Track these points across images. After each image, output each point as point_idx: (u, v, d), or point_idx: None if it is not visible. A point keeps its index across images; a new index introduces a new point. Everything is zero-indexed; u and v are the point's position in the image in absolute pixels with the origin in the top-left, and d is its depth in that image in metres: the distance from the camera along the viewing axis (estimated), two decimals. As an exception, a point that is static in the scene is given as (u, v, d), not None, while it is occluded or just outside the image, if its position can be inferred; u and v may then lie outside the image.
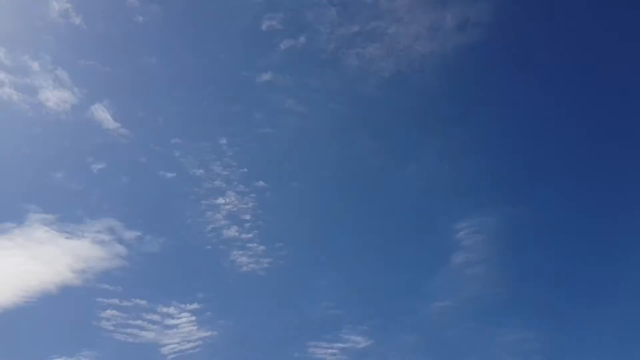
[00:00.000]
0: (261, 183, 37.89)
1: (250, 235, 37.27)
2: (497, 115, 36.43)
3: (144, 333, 35.01)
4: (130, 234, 36.72)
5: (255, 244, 37.11)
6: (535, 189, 34.85)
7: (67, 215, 36.01)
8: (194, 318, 35.88)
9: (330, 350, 34.31)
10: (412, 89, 36.74)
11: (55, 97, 36.51)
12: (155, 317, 35.55)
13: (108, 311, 34.96)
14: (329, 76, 38.07)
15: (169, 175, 37.84)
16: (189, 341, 35.31)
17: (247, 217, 37.55)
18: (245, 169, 37.98)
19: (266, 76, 37.74)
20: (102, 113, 37.11)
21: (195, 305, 36.19)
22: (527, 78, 35.87)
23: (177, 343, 35.20)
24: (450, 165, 36.67)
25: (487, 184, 36.04)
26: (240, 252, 37.05)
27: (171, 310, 35.88)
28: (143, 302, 35.70)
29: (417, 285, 35.07)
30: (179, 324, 35.65)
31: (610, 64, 34.34)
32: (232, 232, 37.43)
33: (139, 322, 35.24)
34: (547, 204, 34.29)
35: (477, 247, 34.18)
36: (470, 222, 34.57)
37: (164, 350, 34.84)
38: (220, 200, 37.76)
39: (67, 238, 35.72)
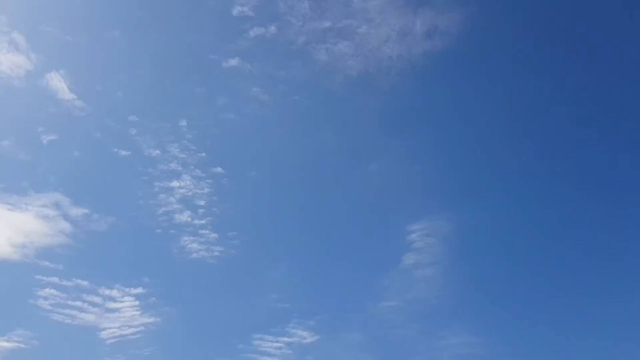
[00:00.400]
0: (219, 169, 37.24)
1: (203, 222, 36.55)
2: (457, 121, 37.15)
3: (83, 315, 33.83)
4: (76, 211, 35.43)
5: (207, 231, 36.39)
6: (489, 195, 35.71)
7: (11, 185, 34.54)
8: (137, 303, 34.89)
9: (275, 344, 34.00)
10: (378, 90, 37.07)
11: (9, 61, 34.90)
12: (97, 299, 34.41)
13: (47, 290, 33.65)
14: (296, 68, 37.85)
15: (123, 153, 36.68)
16: (130, 326, 34.29)
17: (202, 202, 36.83)
18: (204, 154, 37.26)
19: (233, 62, 37.19)
20: (57, 82, 35.63)
21: (139, 290, 35.18)
22: (489, 88, 36.77)
23: (118, 328, 34.15)
24: (409, 168, 37.13)
25: (443, 188, 36.66)
26: (192, 238, 36.27)
27: (114, 293, 34.76)
28: (85, 283, 34.48)
29: (367, 283, 35.26)
30: (121, 308, 34.59)
31: (569, 72, 35.57)
32: (184, 217, 36.61)
33: (78, 303, 34.02)
34: (500, 211, 35.18)
35: (429, 250, 34.70)
36: (423, 225, 35.08)
37: (103, 334, 33.73)
38: (175, 184, 36.88)
39: (9, 210, 34.17)
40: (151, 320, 34.57)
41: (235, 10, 36.67)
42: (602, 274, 33.02)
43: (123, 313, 34.44)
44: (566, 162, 35.18)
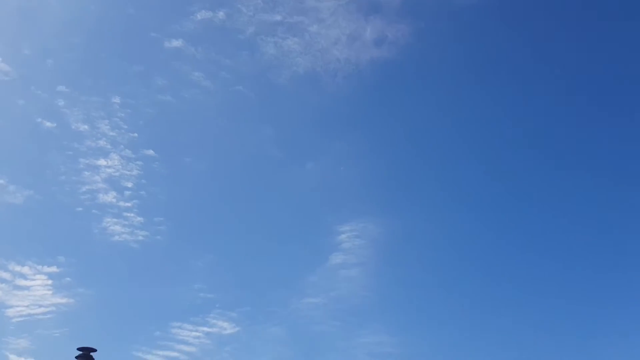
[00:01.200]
0: (151, 152, 36.14)
1: (129, 204, 35.32)
2: (394, 129, 38.23)
3: (-12, 290, 31.83)
4: (-9, 180, 33.23)
5: (132, 214, 35.22)
6: (419, 202, 37.11)
7: None
8: (50, 282, 33.18)
9: (194, 333, 33.49)
10: (323, 90, 37.47)
11: None
12: (5, 275, 32.40)
13: (-50, 261, 31.45)
14: (242, 58, 37.47)
15: (48, 124, 34.78)
16: (40, 306, 32.55)
17: (129, 184, 35.57)
18: (136, 134, 36.03)
19: (176, 42, 36.21)
20: (-18, 42, 33.30)
21: (53, 269, 33.48)
22: (428, 100, 38.10)
23: (26, 306, 32.31)
24: (345, 170, 37.82)
25: (376, 192, 37.69)
26: (115, 220, 34.96)
27: (25, 270, 32.86)
28: (-7, 257, 32.46)
29: (292, 279, 35.61)
30: (31, 286, 32.75)
31: (504, 86, 37.55)
32: (109, 197, 35.20)
33: (-16, 277, 31.97)
34: (427, 217, 36.64)
35: (356, 251, 35.49)
36: (353, 226, 35.83)
37: (10, 312, 31.83)
38: (102, 162, 35.39)
39: None
40: (63, 301, 33.06)
41: (184, -10, 35.89)
42: (520, 278, 35.18)
43: (33, 291, 32.69)
44: (496, 170, 37.25)
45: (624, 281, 33.76)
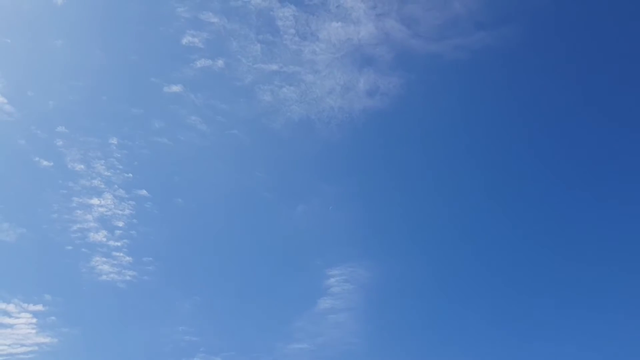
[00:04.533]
0: (144, 192, 36.48)
1: (118, 244, 35.35)
2: (384, 176, 38.45)
3: (-30, 328, 31.52)
4: (-15, 217, 33.59)
5: (121, 254, 35.17)
6: (408, 248, 36.58)
7: None
8: (34, 320, 32.85)
9: (177, 378, 32.64)
10: (316, 137, 38.11)
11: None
12: (-10, 313, 32.19)
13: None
14: (239, 104, 38.33)
15: (45, 163, 35.44)
16: (22, 345, 32.10)
17: (120, 224, 35.73)
18: (130, 174, 36.51)
19: (175, 88, 37.28)
20: (-11, 83, 34.57)
21: (39, 307, 33.21)
22: (416, 149, 38.58)
23: (8, 345, 31.90)
24: (335, 214, 37.70)
25: (366, 237, 37.31)
26: (104, 259, 34.90)
27: (10, 307, 32.59)
28: (-21, 294, 32.32)
29: (279, 324, 34.80)
30: (15, 324, 32.41)
31: (492, 140, 37.92)
32: (99, 236, 35.30)
33: (-32, 314, 31.73)
34: (416, 264, 35.95)
35: (345, 296, 34.83)
36: (342, 270, 35.34)
37: (-9, 350, 31.39)
38: (95, 201, 35.75)
39: None
40: (47, 340, 32.59)
41: (186, 40, 37.22)
42: (517, 320, 34.22)
43: (17, 330, 32.33)
44: (485, 216, 36.99)
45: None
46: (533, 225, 36.49)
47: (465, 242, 36.32)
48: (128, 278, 34.67)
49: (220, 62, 37.56)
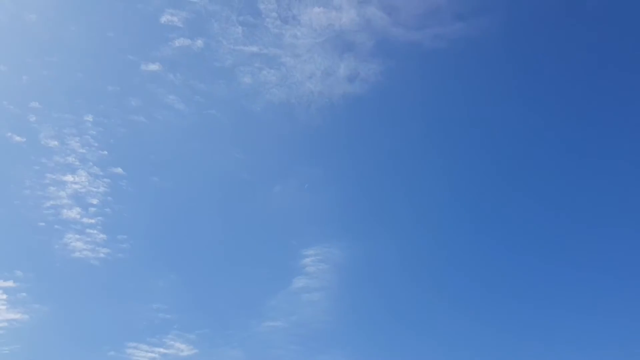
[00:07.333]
0: (119, 170, 36.21)
1: (92, 221, 35.03)
2: (361, 160, 38.95)
3: (-62, 304, 30.96)
4: (-47, 192, 32.96)
5: (95, 231, 34.88)
6: (383, 229, 37.16)
7: None
8: (5, 297, 32.44)
9: (150, 354, 32.54)
10: (295, 120, 38.34)
11: None
12: (-42, 288, 31.66)
13: None
14: (218, 85, 38.31)
15: (17, 138, 34.90)
16: (-9, 321, 31.64)
17: (95, 201, 35.43)
18: (106, 152, 36.20)
19: (153, 66, 37.05)
20: (-42, 54, 33.83)
21: (10, 283, 32.76)
22: (394, 133, 39.08)
23: (-23, 321, 31.40)
24: (311, 195, 38.02)
25: (341, 218, 37.78)
26: (77, 236, 34.58)
27: (-21, 283, 32.14)
28: (-54, 269, 31.76)
29: (253, 302, 35.03)
30: (-16, 300, 31.96)
31: (474, 121, 38.71)
32: (73, 213, 34.94)
33: None
34: (390, 244, 36.58)
35: (319, 275, 35.25)
36: (317, 251, 35.75)
37: (-40, 326, 30.86)
38: (69, 178, 35.36)
39: None
40: (17, 316, 32.19)
41: (164, 18, 37.02)
42: (482, 301, 35.00)
43: (-14, 306, 31.88)
44: (462, 196, 37.73)
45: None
46: (517, 205, 36.98)
47: (439, 226, 37.13)
48: (102, 255, 34.47)
49: (199, 42, 37.53)
